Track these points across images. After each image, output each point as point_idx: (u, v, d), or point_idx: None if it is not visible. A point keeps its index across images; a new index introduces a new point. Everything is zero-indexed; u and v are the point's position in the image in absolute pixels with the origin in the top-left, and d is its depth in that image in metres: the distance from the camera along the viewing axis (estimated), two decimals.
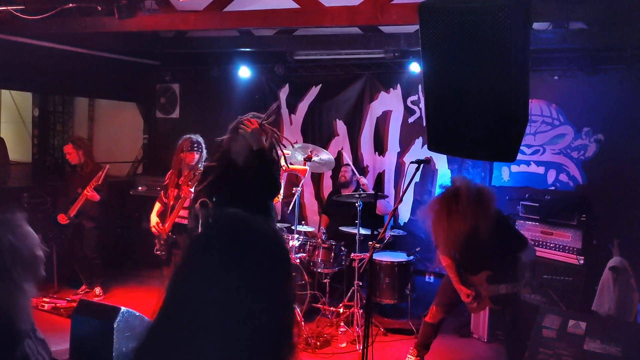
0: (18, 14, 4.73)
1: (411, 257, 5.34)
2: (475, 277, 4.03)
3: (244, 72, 6.89)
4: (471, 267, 4.05)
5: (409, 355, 4.36)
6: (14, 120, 8.89)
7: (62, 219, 5.45)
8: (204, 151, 5.02)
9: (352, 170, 5.98)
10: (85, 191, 5.31)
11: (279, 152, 3.53)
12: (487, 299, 4.00)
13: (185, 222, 4.93)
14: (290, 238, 5.21)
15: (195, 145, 4.97)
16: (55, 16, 4.76)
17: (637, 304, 4.25)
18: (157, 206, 5.10)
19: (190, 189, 4.74)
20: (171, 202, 4.97)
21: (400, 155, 6.35)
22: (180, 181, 4.97)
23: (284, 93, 6.95)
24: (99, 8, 4.75)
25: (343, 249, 5.42)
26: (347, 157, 6.13)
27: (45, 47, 6.15)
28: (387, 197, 6.03)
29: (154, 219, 5.01)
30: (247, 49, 6.29)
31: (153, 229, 4.97)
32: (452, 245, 3.95)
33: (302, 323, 5.02)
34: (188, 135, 5.05)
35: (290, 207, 5.01)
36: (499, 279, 3.94)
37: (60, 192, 5.89)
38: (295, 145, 5.25)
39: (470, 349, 4.93)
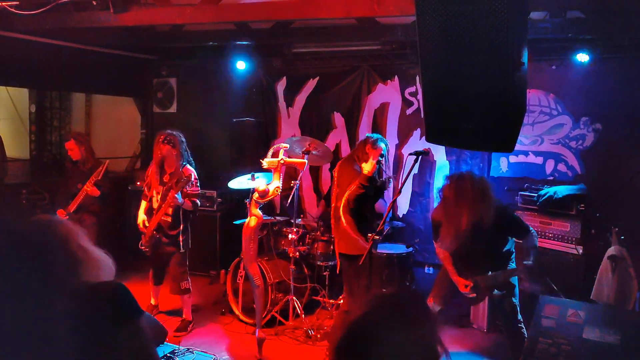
0: (13, 10, 4.70)
1: (410, 249, 5.36)
2: (473, 269, 4.01)
3: (241, 66, 6.86)
4: (469, 259, 4.03)
5: None
6: (10, 116, 8.86)
7: (61, 214, 5.44)
8: (180, 146, 4.92)
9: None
10: (85, 186, 5.30)
11: None
12: (485, 289, 3.98)
13: (169, 219, 4.89)
14: (289, 231, 5.22)
15: (167, 138, 4.87)
16: (51, 11, 4.73)
17: (636, 292, 4.27)
18: (144, 204, 5.05)
19: (176, 195, 4.68)
20: (157, 201, 4.93)
21: (399, 147, 6.34)
22: (165, 179, 4.93)
23: (281, 86, 6.94)
24: (94, 2, 4.73)
25: None
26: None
27: (41, 42, 6.12)
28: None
29: (141, 216, 4.99)
30: (244, 42, 6.26)
31: (139, 227, 4.97)
32: (457, 235, 3.93)
33: (303, 315, 5.04)
34: (166, 130, 5.00)
35: (289, 200, 5.01)
36: (497, 267, 3.93)
37: (58, 188, 5.88)
38: (293, 138, 5.24)
39: (469, 338, 4.96)
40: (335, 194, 4.63)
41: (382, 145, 4.49)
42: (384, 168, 4.63)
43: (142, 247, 4.92)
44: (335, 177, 4.71)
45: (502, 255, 3.98)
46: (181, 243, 4.95)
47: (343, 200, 4.45)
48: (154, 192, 4.97)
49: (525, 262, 3.87)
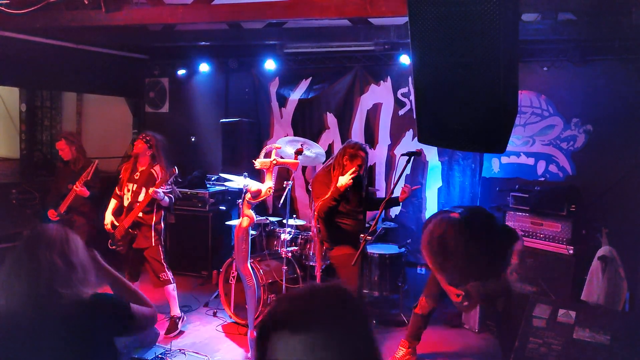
0: (3, 8, 4.66)
1: (402, 250, 5.36)
2: (466, 277, 3.99)
3: (234, 66, 6.85)
4: (459, 272, 4.02)
5: (400, 347, 4.38)
6: (1, 115, 8.80)
7: (52, 214, 5.41)
8: (156, 149, 4.95)
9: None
10: (74, 187, 5.27)
11: None
12: (477, 297, 3.97)
13: (141, 214, 4.86)
14: (282, 232, 5.21)
15: (146, 137, 4.96)
16: (42, 10, 4.70)
17: (626, 293, 4.30)
18: (113, 203, 5.05)
19: (157, 190, 4.67)
20: (127, 199, 4.94)
21: (391, 147, 6.35)
22: (136, 176, 4.94)
23: (274, 86, 6.93)
24: (86, 1, 4.69)
25: None
26: None
27: (32, 41, 6.08)
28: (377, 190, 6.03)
29: (108, 217, 4.99)
30: (237, 42, 6.25)
31: (106, 227, 4.95)
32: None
33: None
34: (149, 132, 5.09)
35: (281, 201, 5.00)
36: (486, 275, 3.91)
37: (49, 188, 5.84)
38: (286, 139, 5.24)
39: (461, 339, 4.97)
40: (311, 207, 4.49)
41: (362, 154, 4.25)
42: (362, 180, 4.41)
43: (114, 247, 4.90)
44: (311, 192, 4.47)
45: (494, 262, 3.98)
46: (153, 237, 4.92)
47: (314, 212, 4.29)
48: (125, 189, 4.99)
49: (510, 267, 3.89)
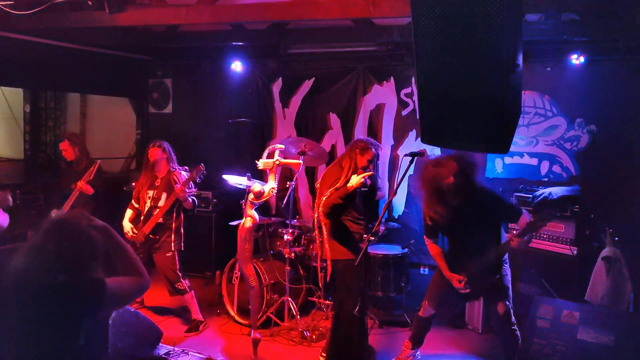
0: (7, 10, 4.68)
1: (406, 250, 5.36)
2: (464, 255, 3.97)
3: (237, 66, 6.86)
4: (461, 255, 4.00)
5: (404, 348, 4.38)
6: (5, 116, 8.82)
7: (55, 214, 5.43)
8: (169, 153, 5.05)
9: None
10: (78, 184, 5.31)
11: None
12: (479, 276, 3.92)
13: (162, 221, 4.91)
14: (285, 232, 5.21)
15: (157, 143, 5.06)
16: (46, 11, 4.71)
17: (630, 293, 4.29)
18: (129, 213, 5.09)
19: (184, 188, 4.74)
20: (148, 205, 4.98)
21: (394, 148, 6.35)
22: (157, 183, 5.01)
23: (277, 87, 6.94)
24: (90, 2, 4.71)
25: None
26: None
27: (36, 42, 6.10)
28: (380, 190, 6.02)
29: (127, 225, 5.00)
30: (240, 43, 6.26)
31: (128, 236, 4.95)
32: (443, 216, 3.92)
33: (298, 316, 5.03)
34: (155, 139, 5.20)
35: (284, 201, 5.00)
36: (487, 248, 3.89)
37: (53, 189, 5.86)
38: (289, 139, 5.24)
39: (464, 340, 4.96)
40: (317, 204, 4.26)
41: (372, 152, 4.10)
42: (376, 175, 4.31)
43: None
44: (318, 189, 4.31)
45: (495, 233, 3.99)
46: (173, 242, 4.96)
47: (320, 208, 4.09)
48: (146, 197, 5.02)
49: (514, 232, 3.88)
